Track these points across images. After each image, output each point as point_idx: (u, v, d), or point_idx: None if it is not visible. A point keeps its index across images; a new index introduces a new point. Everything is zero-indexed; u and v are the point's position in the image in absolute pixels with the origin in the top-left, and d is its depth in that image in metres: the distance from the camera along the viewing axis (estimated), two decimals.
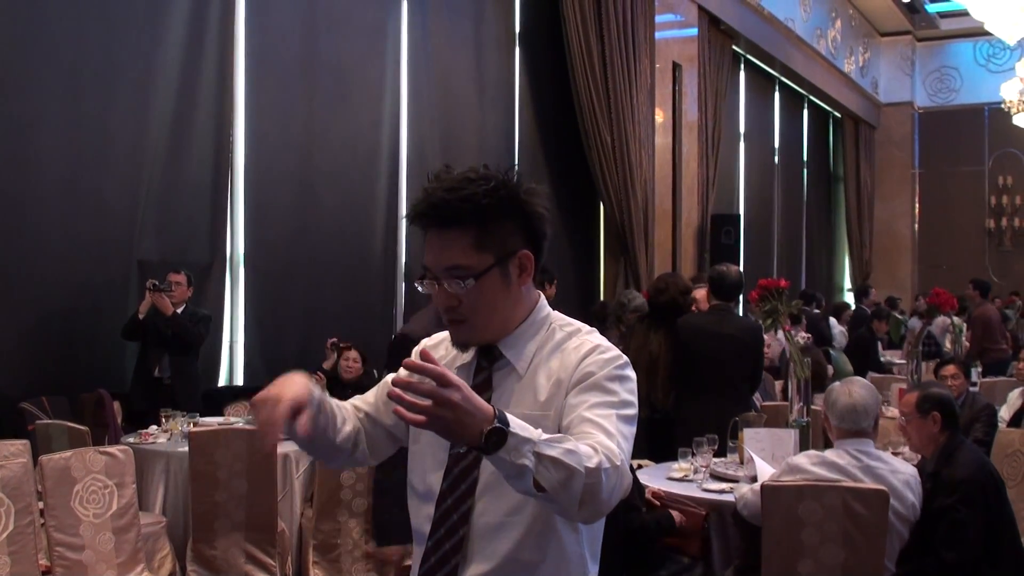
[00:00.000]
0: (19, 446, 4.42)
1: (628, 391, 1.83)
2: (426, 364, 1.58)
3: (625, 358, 1.88)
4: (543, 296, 1.99)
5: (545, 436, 1.63)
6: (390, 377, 2.12)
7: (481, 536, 1.85)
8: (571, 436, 1.70)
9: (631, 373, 1.87)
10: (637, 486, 4.40)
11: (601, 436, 1.71)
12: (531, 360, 1.90)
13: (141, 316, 6.36)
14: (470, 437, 1.58)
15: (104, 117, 6.59)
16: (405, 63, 8.67)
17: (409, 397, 1.57)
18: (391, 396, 1.58)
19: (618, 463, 1.68)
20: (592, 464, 1.63)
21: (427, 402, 1.56)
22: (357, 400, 2.12)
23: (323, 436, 1.96)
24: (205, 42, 7.16)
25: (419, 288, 1.92)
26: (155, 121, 6.84)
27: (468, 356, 1.96)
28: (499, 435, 1.58)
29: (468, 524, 1.86)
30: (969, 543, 3.75)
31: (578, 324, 1.95)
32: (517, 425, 1.61)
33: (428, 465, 1.95)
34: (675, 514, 4.39)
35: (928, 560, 3.80)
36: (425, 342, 2.10)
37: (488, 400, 1.86)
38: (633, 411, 1.82)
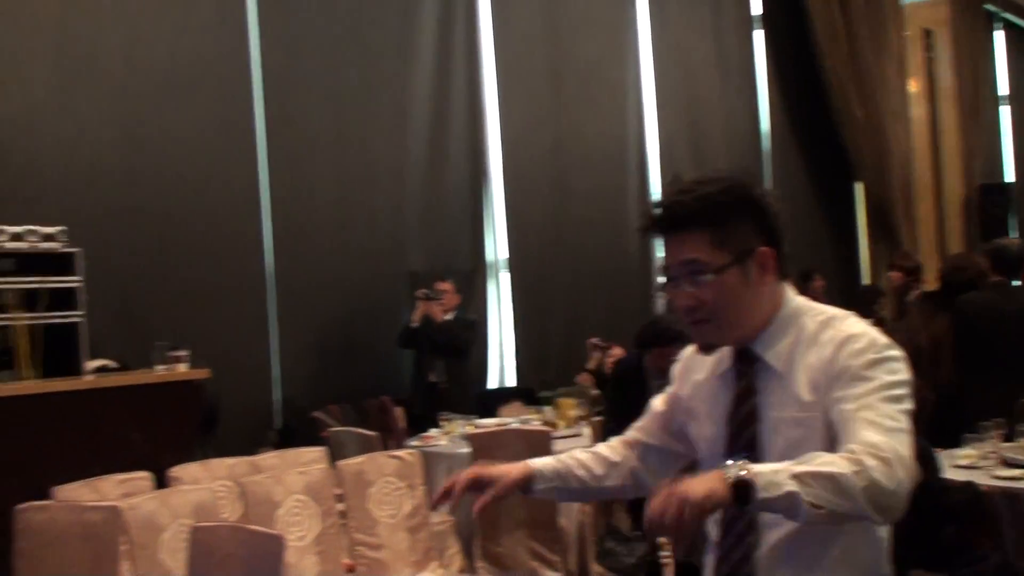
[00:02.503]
0: (318, 453, 4.71)
1: (888, 371, 1.75)
2: (652, 517, 1.57)
3: (884, 340, 1.80)
4: (790, 290, 1.93)
5: (791, 462, 1.60)
6: (656, 400, 2.14)
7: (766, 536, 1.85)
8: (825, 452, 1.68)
9: (893, 353, 1.79)
10: (935, 466, 4.23)
11: (863, 434, 1.66)
12: (788, 356, 1.85)
13: (414, 325, 6.66)
14: (720, 496, 1.57)
15: (366, 139, 6.99)
16: (647, 55, 8.71)
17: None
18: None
19: (885, 455, 1.62)
20: (857, 467, 1.59)
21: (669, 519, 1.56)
22: (632, 431, 2.15)
23: (566, 493, 2.15)
24: (454, 58, 7.46)
25: (661, 296, 1.93)
26: (413, 138, 7.19)
27: (726, 364, 1.93)
28: (741, 481, 1.57)
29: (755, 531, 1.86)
30: None
31: (831, 311, 1.89)
32: (754, 466, 1.60)
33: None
34: None
35: None
36: (687, 352, 2.08)
37: (753, 405, 1.87)
38: (900, 391, 1.74)
